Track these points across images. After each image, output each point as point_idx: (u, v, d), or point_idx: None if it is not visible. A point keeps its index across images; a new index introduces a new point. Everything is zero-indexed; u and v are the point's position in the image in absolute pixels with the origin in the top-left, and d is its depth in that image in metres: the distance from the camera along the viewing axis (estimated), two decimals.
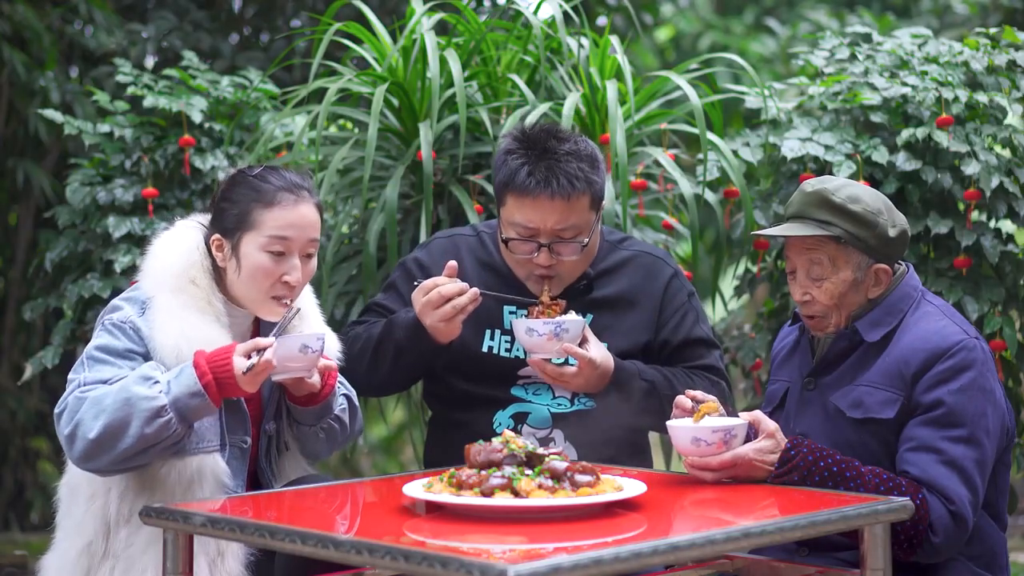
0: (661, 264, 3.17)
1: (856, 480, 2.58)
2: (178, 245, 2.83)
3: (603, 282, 3.13)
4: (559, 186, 2.93)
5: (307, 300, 2.96)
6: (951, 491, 2.60)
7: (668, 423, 2.65)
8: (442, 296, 2.90)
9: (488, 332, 3.10)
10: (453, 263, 2.96)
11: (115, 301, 2.80)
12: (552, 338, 2.83)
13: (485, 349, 3.10)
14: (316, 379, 2.81)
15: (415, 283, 3.01)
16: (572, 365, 2.90)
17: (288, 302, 2.81)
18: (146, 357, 2.71)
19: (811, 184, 2.78)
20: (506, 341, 3.09)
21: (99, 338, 2.73)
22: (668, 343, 3.11)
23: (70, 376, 2.71)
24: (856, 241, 2.72)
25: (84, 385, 2.66)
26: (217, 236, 2.81)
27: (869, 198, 2.74)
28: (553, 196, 2.93)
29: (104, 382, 2.66)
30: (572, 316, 2.88)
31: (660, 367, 3.06)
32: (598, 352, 2.90)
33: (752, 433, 2.65)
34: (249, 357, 2.65)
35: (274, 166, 2.87)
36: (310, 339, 2.74)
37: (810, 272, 2.76)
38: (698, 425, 2.60)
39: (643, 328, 3.11)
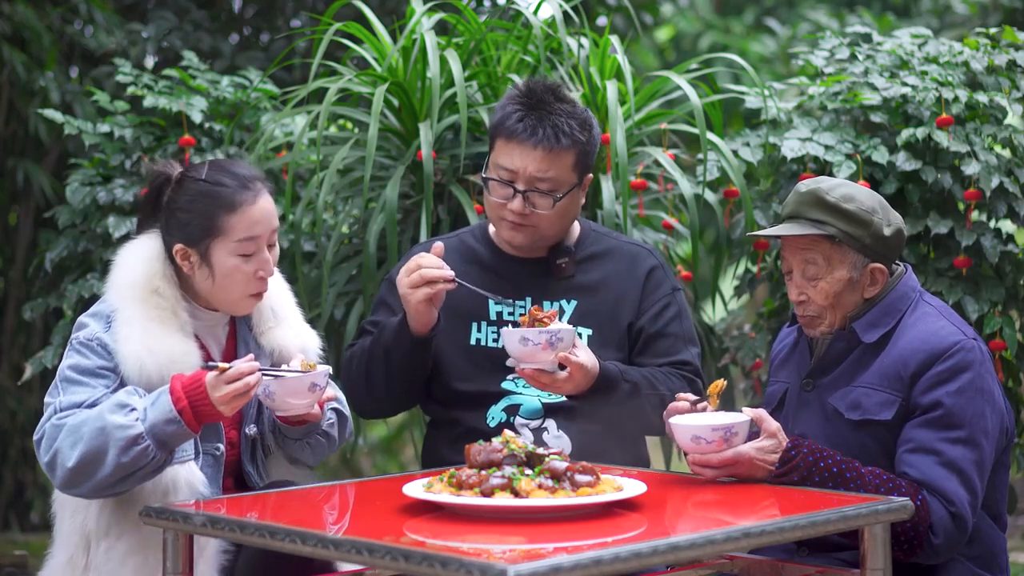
0: (645, 255, 3.19)
1: (856, 481, 2.58)
2: (139, 255, 2.81)
3: (586, 268, 3.15)
4: (544, 135, 3.01)
5: (284, 299, 2.96)
6: (951, 492, 2.60)
7: (670, 420, 2.65)
8: (418, 264, 2.93)
9: (475, 325, 3.12)
10: (439, 244, 2.99)
11: (82, 318, 2.78)
12: (547, 347, 2.83)
13: (473, 342, 3.11)
14: (317, 411, 2.80)
15: None
16: (563, 371, 2.90)
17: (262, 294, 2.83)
18: (116, 371, 2.70)
19: (805, 184, 2.78)
20: (492, 332, 3.11)
21: (69, 358, 2.72)
22: (643, 331, 3.12)
23: (46, 400, 2.70)
24: (851, 240, 2.73)
25: (60, 411, 2.65)
26: (181, 247, 2.78)
27: (863, 197, 2.75)
28: (536, 144, 3.01)
29: (79, 405, 2.64)
30: (563, 324, 2.89)
31: (641, 368, 3.07)
32: (587, 357, 2.91)
33: (755, 432, 2.65)
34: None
35: (217, 162, 2.84)
36: (318, 377, 2.71)
37: (805, 272, 2.77)
38: (698, 424, 2.60)
39: (624, 314, 3.12)
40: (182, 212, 2.78)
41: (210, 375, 2.59)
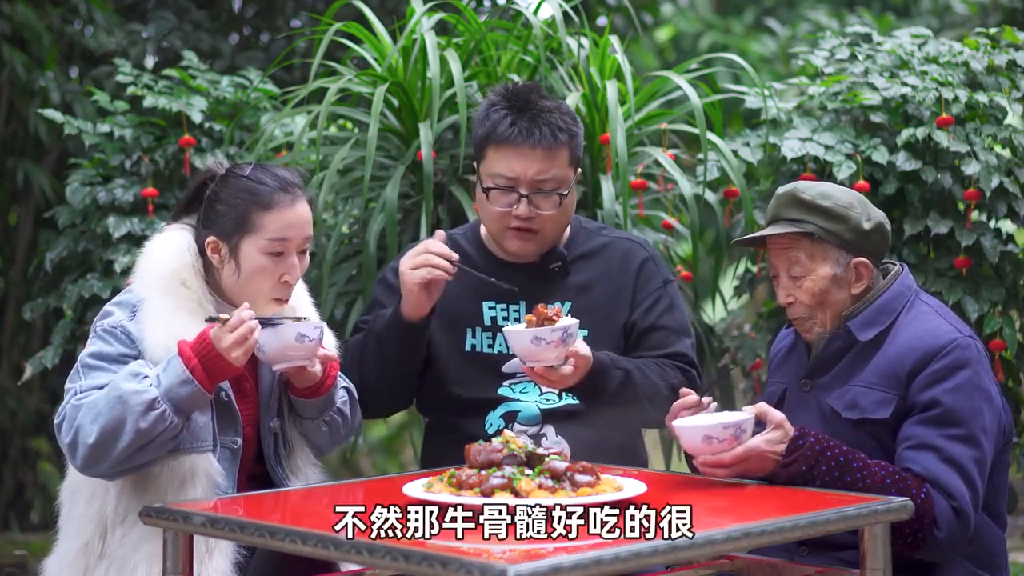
0: (637, 248, 3.18)
1: (862, 471, 2.58)
2: (168, 246, 2.84)
3: (579, 267, 3.14)
4: (542, 135, 3.00)
5: (300, 296, 2.97)
6: (952, 487, 2.60)
7: (675, 423, 2.64)
8: (426, 248, 2.94)
9: (469, 331, 3.12)
10: (441, 232, 3.01)
11: (107, 306, 2.80)
12: (559, 344, 2.84)
13: (468, 348, 3.11)
14: (318, 368, 2.82)
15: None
16: (567, 366, 2.90)
17: (286, 300, 2.83)
18: (138, 359, 2.71)
19: (783, 188, 2.82)
20: (487, 337, 3.11)
21: (92, 345, 2.75)
22: (636, 326, 3.12)
23: (67, 385, 2.72)
24: (830, 236, 2.74)
25: (80, 393, 2.68)
26: (213, 239, 2.81)
27: (840, 194, 2.78)
28: (535, 146, 2.99)
29: (99, 388, 2.67)
30: (569, 319, 2.88)
31: (632, 358, 3.06)
32: (585, 347, 2.92)
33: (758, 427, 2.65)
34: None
35: (262, 164, 2.88)
36: (306, 327, 2.75)
37: (790, 271, 2.79)
38: (709, 423, 2.59)
39: (619, 312, 3.12)
40: (220, 205, 2.82)
41: (214, 329, 2.65)
